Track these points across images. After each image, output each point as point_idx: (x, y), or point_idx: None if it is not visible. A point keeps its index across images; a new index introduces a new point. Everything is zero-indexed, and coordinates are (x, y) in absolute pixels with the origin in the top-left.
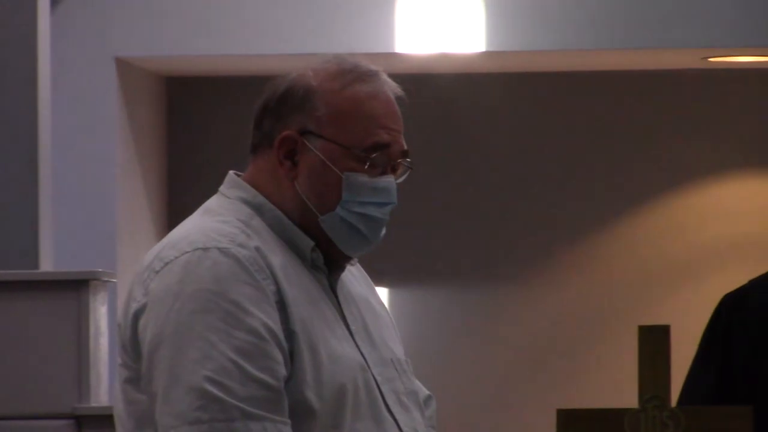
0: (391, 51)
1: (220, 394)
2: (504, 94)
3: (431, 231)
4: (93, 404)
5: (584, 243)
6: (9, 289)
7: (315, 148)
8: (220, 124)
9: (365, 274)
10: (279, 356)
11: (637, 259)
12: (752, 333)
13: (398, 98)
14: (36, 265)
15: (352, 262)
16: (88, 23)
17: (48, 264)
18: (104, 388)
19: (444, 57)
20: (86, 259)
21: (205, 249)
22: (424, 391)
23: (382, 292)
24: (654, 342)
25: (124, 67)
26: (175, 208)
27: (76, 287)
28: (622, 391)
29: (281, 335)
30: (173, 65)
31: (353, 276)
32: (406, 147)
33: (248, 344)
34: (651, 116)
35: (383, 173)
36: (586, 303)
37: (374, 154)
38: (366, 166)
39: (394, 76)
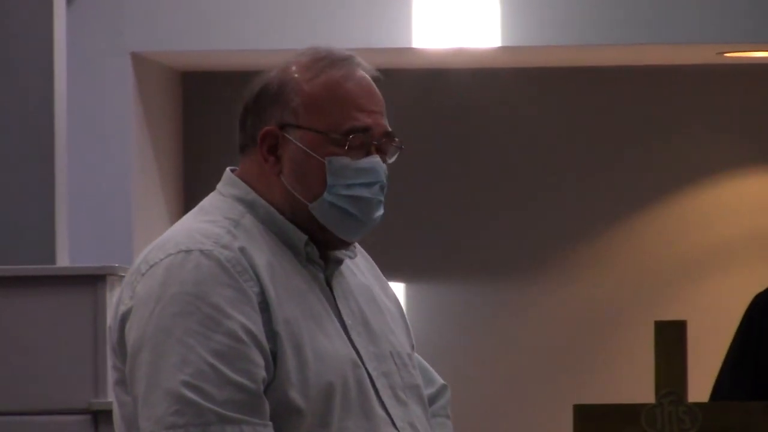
0: (407, 46)
1: (197, 398)
2: (520, 89)
3: (446, 227)
4: (109, 399)
5: (600, 239)
6: (26, 285)
7: (295, 139)
8: (235, 120)
9: (373, 264)
10: (259, 359)
11: (652, 254)
12: None
13: (375, 79)
14: (52, 261)
15: (350, 254)
16: (103, 18)
17: (64, 259)
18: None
19: (460, 52)
20: (102, 254)
21: (188, 251)
22: (438, 381)
23: (398, 288)
24: (670, 337)
25: (139, 62)
26: (190, 202)
27: (92, 282)
28: (638, 386)
29: (262, 337)
30: (189, 60)
31: (357, 268)
32: (389, 128)
33: (226, 347)
34: (666, 112)
35: (367, 154)
36: (602, 299)
37: (352, 136)
38: (346, 149)
39: (411, 72)
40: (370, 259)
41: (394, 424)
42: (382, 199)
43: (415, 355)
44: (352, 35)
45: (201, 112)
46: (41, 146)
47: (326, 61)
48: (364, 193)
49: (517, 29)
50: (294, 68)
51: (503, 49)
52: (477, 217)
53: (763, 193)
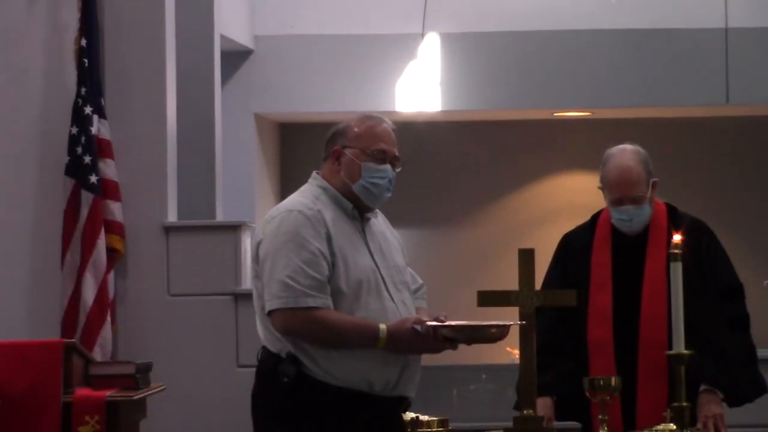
0: (392, 110)
1: (293, 284)
2: (453, 133)
3: (419, 209)
4: (243, 287)
5: (498, 206)
6: (198, 231)
7: (349, 153)
8: (307, 154)
9: (386, 220)
10: (325, 265)
11: (523, 217)
12: (573, 253)
13: (392, 128)
14: (213, 216)
15: (374, 214)
16: (243, 99)
17: (220, 216)
18: (248, 278)
19: (419, 113)
20: (240, 214)
21: (290, 211)
22: (419, 281)
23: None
24: (526, 257)
25: (258, 119)
26: (285, 194)
27: (235, 229)
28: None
29: (328, 255)
30: (285, 116)
31: (377, 221)
32: (397, 154)
33: (310, 258)
34: (527, 147)
35: (383, 163)
36: (497, 238)
37: (376, 153)
38: (372, 159)
39: (395, 123)
40: (385, 217)
41: (393, 301)
42: (390, 187)
43: (408, 267)
44: (368, 101)
45: (292, 147)
46: (207, 162)
47: (367, 117)
48: (380, 182)
49: (453, 99)
50: (352, 121)
51: (443, 112)
52: (429, 203)
53: (567, 188)
